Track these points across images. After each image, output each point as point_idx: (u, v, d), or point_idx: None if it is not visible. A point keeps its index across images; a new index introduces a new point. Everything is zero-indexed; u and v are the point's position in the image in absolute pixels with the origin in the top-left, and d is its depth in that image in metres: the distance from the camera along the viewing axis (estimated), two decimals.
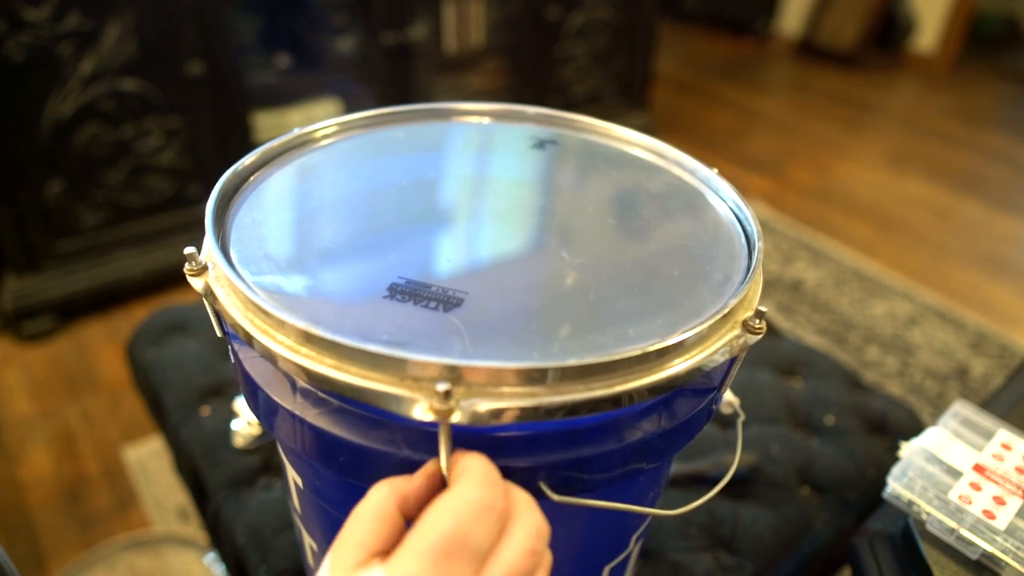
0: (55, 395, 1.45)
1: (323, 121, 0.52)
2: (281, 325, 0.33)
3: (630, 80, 2.47)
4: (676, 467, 0.69)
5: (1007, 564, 0.48)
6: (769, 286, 1.88)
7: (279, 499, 0.66)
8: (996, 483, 0.54)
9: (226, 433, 0.73)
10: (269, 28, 1.87)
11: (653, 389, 0.33)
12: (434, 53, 2.06)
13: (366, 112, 0.55)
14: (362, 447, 0.34)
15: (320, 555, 0.48)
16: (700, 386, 0.39)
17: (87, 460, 1.32)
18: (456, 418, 0.30)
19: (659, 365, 0.33)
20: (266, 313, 0.33)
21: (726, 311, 0.36)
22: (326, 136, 0.52)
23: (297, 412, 0.35)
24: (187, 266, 0.36)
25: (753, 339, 0.37)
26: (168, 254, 1.68)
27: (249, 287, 0.35)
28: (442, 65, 2.12)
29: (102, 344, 1.59)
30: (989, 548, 0.49)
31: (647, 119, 2.56)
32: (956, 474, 0.55)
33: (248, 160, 0.46)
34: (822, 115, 2.99)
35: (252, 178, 0.46)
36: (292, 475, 0.45)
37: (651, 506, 0.47)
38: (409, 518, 0.31)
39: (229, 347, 0.42)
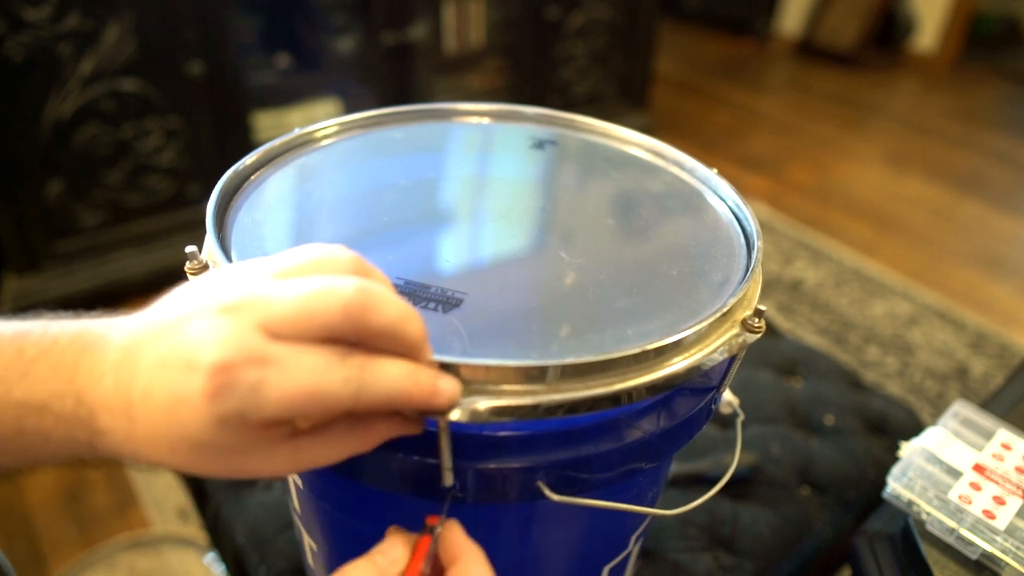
0: None
1: (323, 121, 0.52)
2: None
3: (630, 80, 2.47)
4: (676, 467, 0.69)
5: (1007, 564, 0.48)
6: (769, 286, 1.88)
7: (279, 499, 0.66)
8: (996, 483, 0.54)
9: None
10: (269, 28, 1.87)
11: (652, 388, 0.33)
12: (434, 53, 2.06)
13: (366, 112, 0.55)
14: None
15: (320, 555, 0.48)
16: (699, 385, 0.39)
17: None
18: (455, 416, 0.30)
19: (658, 363, 0.33)
20: None
21: (725, 310, 0.36)
22: (326, 136, 0.52)
23: None
24: (188, 265, 0.36)
25: (752, 338, 0.37)
26: (168, 254, 1.68)
27: None
28: (442, 65, 2.12)
29: None
30: (989, 548, 0.49)
31: (647, 119, 2.56)
32: (956, 474, 0.55)
33: (249, 160, 0.46)
34: (822, 115, 2.99)
35: (252, 178, 0.46)
36: (292, 475, 0.45)
37: (651, 506, 0.47)
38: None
39: None
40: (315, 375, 0.26)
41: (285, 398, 0.25)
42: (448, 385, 0.29)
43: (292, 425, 0.28)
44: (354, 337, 0.27)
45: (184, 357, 0.26)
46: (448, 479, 0.32)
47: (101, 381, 0.28)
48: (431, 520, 0.31)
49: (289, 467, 0.29)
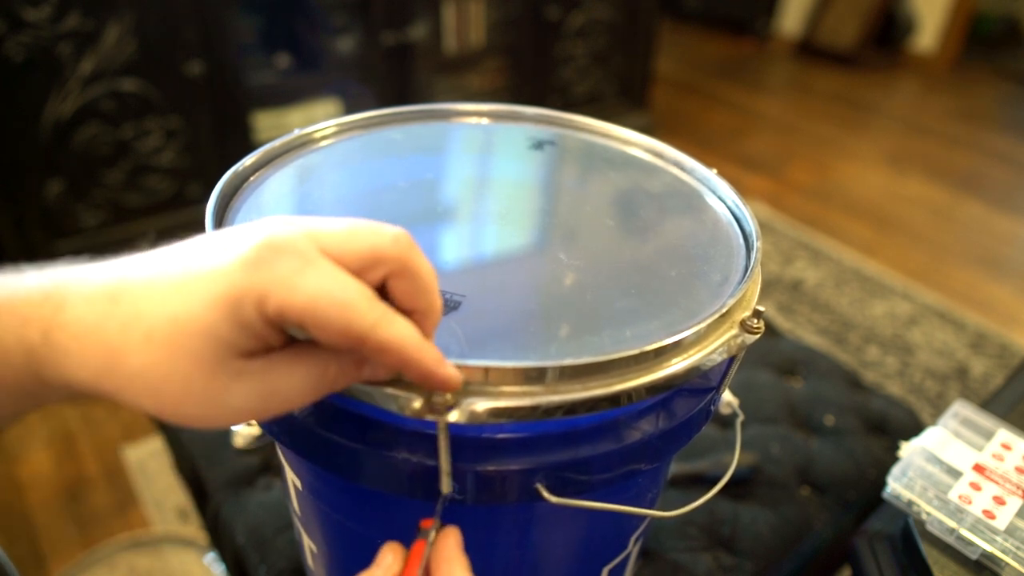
0: None
1: (323, 122, 0.52)
2: None
3: (630, 80, 2.47)
4: (675, 467, 0.69)
5: (1007, 564, 0.48)
6: (769, 286, 1.88)
7: (279, 499, 0.66)
8: (996, 483, 0.54)
9: (226, 433, 0.73)
10: (269, 28, 1.87)
11: (651, 388, 0.33)
12: (434, 53, 2.05)
13: (366, 113, 0.55)
14: (360, 449, 0.34)
15: (320, 557, 0.48)
16: (698, 386, 0.39)
17: (87, 460, 1.32)
18: (454, 417, 0.30)
19: (657, 364, 0.33)
20: None
21: (724, 311, 0.36)
22: (326, 137, 0.52)
23: (295, 413, 0.35)
24: None
25: (751, 339, 0.36)
26: None
27: None
28: (442, 65, 2.12)
29: None
30: (989, 548, 0.49)
31: (647, 119, 2.56)
32: (956, 474, 0.55)
33: (248, 161, 0.46)
34: (822, 115, 2.99)
35: (252, 178, 0.46)
36: (291, 477, 0.45)
37: (650, 507, 0.47)
38: None
39: None
40: (351, 290, 0.26)
41: (318, 294, 0.26)
42: (452, 367, 0.29)
43: (279, 342, 0.28)
44: (395, 265, 0.28)
45: (228, 239, 0.27)
46: (446, 485, 0.32)
47: (89, 274, 0.26)
48: (425, 523, 0.31)
49: (252, 394, 0.27)
